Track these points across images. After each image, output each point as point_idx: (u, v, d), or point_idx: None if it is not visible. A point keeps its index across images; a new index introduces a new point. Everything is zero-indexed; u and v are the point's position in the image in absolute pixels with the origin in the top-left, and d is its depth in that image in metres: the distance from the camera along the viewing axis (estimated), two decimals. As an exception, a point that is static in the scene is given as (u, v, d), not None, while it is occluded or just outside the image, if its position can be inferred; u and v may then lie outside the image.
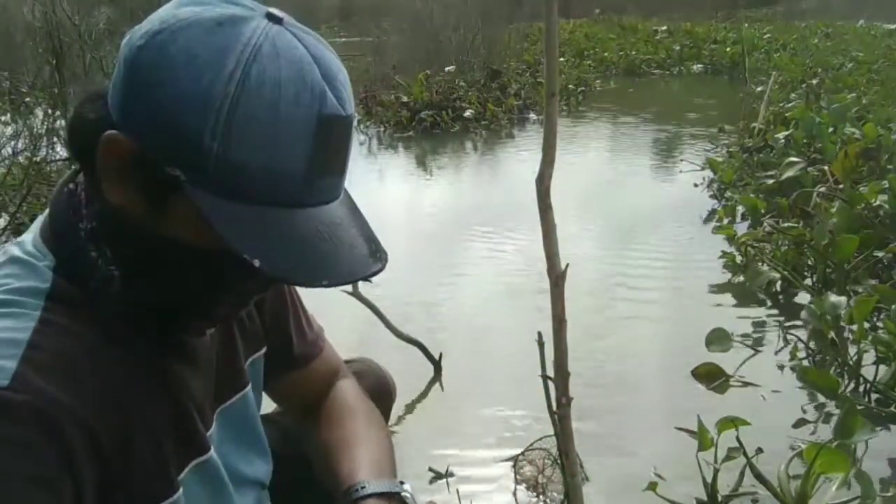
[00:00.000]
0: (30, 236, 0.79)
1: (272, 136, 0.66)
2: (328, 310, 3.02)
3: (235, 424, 0.96)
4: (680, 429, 2.17)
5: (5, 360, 0.67)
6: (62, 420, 0.67)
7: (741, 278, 3.47)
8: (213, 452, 0.88)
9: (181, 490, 0.82)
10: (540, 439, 2.14)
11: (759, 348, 2.84)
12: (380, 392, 1.28)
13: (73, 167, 0.80)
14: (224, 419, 0.94)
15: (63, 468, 0.68)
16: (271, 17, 0.69)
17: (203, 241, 0.70)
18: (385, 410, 1.29)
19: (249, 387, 0.99)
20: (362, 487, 0.96)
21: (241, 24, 0.67)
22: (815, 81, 7.99)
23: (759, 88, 7.53)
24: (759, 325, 3.06)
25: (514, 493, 2.04)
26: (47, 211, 0.81)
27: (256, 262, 0.66)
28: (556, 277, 1.46)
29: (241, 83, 0.65)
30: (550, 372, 1.55)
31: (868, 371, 2.51)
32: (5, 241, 4.02)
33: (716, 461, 1.90)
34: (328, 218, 0.72)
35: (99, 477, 0.71)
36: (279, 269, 0.68)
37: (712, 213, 4.53)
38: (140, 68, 0.67)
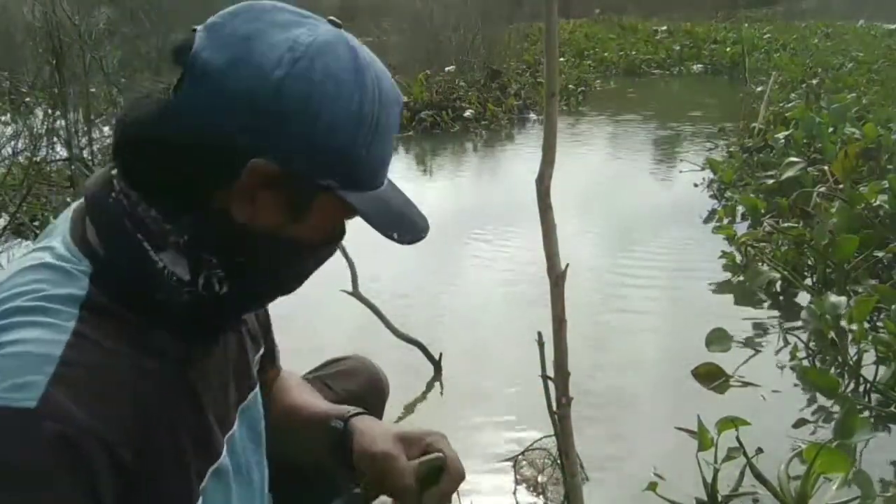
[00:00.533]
0: (58, 240, 0.78)
1: (390, 137, 0.80)
2: (328, 310, 3.04)
3: (251, 424, 0.97)
4: (680, 429, 2.18)
5: (36, 377, 0.66)
6: (88, 446, 0.67)
7: (741, 278, 3.47)
8: (225, 455, 0.88)
9: (202, 499, 0.82)
10: (540, 439, 2.14)
11: (759, 348, 2.84)
12: (372, 388, 1.31)
13: (112, 173, 0.79)
14: (243, 418, 0.95)
15: (86, 497, 0.67)
16: (335, 24, 0.79)
17: (326, 233, 0.82)
18: (378, 406, 1.32)
19: (258, 386, 1.01)
20: (348, 412, 1.08)
21: (346, 39, 0.77)
22: (815, 81, 7.99)
23: (759, 88, 7.53)
24: (759, 325, 3.06)
25: (515, 494, 2.04)
26: (69, 215, 0.81)
27: (395, 236, 0.79)
28: (556, 277, 1.46)
29: (380, 99, 0.76)
30: (550, 372, 1.55)
31: (868, 371, 2.51)
32: (5, 241, 4.02)
33: (716, 461, 1.90)
34: (393, 191, 0.84)
35: (123, 495, 0.70)
36: (404, 238, 0.80)
37: (712, 213, 4.53)
38: (289, 100, 0.72)
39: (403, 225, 0.81)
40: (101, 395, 0.69)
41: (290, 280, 0.85)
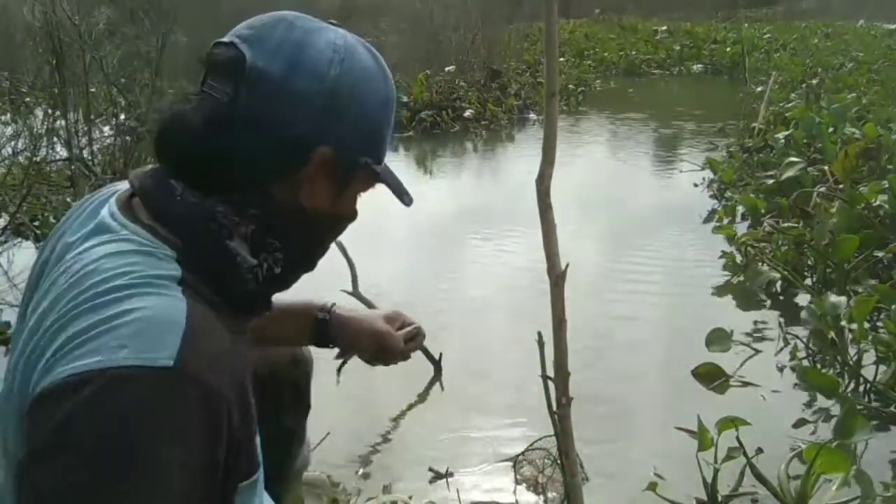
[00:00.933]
0: (124, 233, 0.82)
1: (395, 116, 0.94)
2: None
3: None
4: (680, 429, 2.17)
5: (168, 339, 0.72)
6: (219, 406, 0.72)
7: (741, 278, 3.47)
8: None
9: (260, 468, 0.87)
10: (540, 439, 2.14)
11: (759, 348, 2.84)
12: (295, 360, 1.45)
13: (160, 174, 0.87)
14: None
15: (215, 451, 0.72)
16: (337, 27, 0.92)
17: (354, 206, 0.94)
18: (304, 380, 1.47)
19: None
20: (327, 304, 1.38)
21: (356, 37, 0.90)
22: (815, 81, 7.99)
23: (759, 88, 7.53)
24: (759, 325, 3.06)
25: (515, 493, 2.04)
26: (106, 214, 0.85)
27: (406, 200, 0.95)
28: (556, 277, 1.46)
29: (392, 84, 0.92)
30: (550, 372, 1.55)
31: (868, 371, 2.51)
32: (5, 242, 4.02)
33: (716, 461, 1.90)
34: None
35: (229, 458, 0.75)
36: (408, 200, 0.95)
37: (712, 213, 4.53)
38: (341, 94, 0.86)
39: (405, 190, 0.95)
40: (220, 360, 0.76)
41: (321, 255, 0.97)
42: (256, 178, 0.85)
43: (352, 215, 0.95)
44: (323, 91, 0.84)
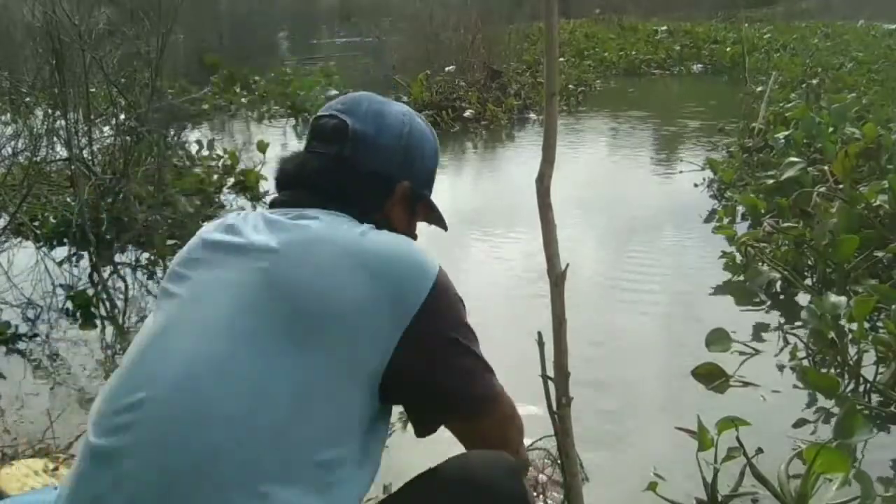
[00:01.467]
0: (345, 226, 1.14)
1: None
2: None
3: None
4: (680, 429, 2.17)
5: (433, 259, 1.11)
6: None
7: (741, 278, 3.47)
8: None
9: None
10: (540, 439, 2.14)
11: (759, 348, 2.83)
12: None
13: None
14: None
15: None
16: None
17: (415, 229, 1.30)
18: None
19: None
20: None
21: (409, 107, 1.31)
22: (815, 81, 7.99)
23: (759, 88, 7.52)
24: (759, 325, 3.06)
25: (514, 493, 2.03)
26: (318, 219, 1.13)
27: (445, 226, 1.32)
28: (556, 277, 1.46)
29: (436, 137, 1.31)
30: (550, 372, 1.55)
31: (868, 371, 2.51)
32: (5, 242, 4.02)
33: (716, 461, 1.90)
34: None
35: None
36: (446, 228, 1.33)
37: (712, 213, 4.53)
38: (412, 146, 1.23)
39: (443, 217, 1.31)
40: None
41: None
42: (361, 205, 1.17)
43: (414, 236, 1.26)
44: (401, 143, 1.22)
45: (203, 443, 0.92)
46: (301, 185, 1.19)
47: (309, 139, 1.23)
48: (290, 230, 1.08)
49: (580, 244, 4.01)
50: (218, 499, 0.90)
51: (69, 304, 3.50)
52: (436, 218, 1.30)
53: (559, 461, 1.82)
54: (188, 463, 0.92)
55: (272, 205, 1.20)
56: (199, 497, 0.90)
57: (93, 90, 5.11)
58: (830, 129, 4.95)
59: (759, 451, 1.99)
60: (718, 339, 2.74)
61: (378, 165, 1.19)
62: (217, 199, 5.11)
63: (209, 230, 1.15)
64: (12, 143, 4.66)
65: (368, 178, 1.18)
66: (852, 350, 2.60)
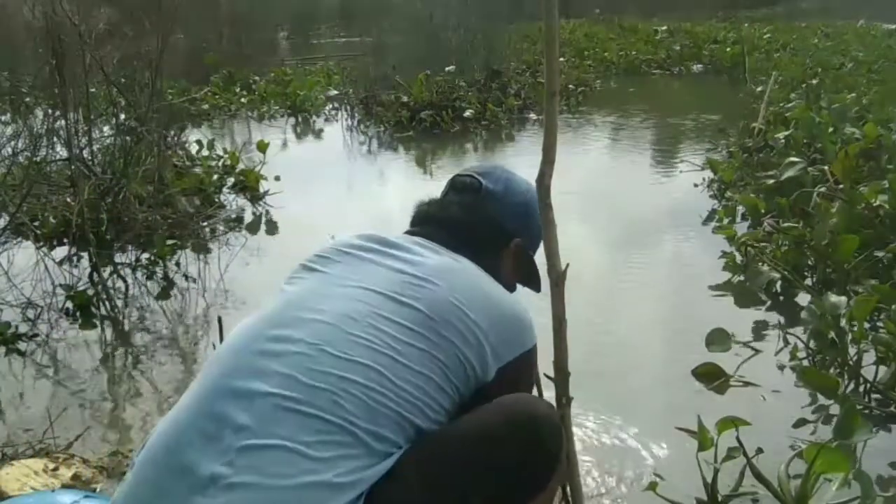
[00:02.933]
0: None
1: None
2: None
3: None
4: (680, 429, 2.17)
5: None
6: None
7: (741, 278, 3.47)
8: None
9: None
10: (540, 439, 2.13)
11: (759, 348, 2.84)
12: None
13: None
14: None
15: None
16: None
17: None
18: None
19: None
20: None
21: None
22: (815, 81, 7.98)
23: (759, 88, 7.52)
24: (759, 325, 3.06)
25: (514, 493, 2.03)
26: (439, 250, 1.41)
27: (538, 288, 1.62)
28: (556, 277, 1.46)
29: None
30: (550, 372, 1.55)
31: (868, 371, 2.51)
32: (5, 242, 4.02)
33: (716, 461, 1.90)
34: None
35: None
36: (539, 290, 1.63)
37: (712, 213, 4.53)
38: (531, 210, 1.49)
39: (540, 280, 1.60)
40: None
41: None
42: (480, 248, 1.43)
43: (514, 287, 1.55)
44: (523, 206, 1.52)
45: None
46: (436, 223, 1.49)
47: (446, 190, 1.59)
48: (438, 252, 1.37)
49: (580, 244, 4.01)
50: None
51: (69, 304, 3.50)
52: (533, 278, 1.57)
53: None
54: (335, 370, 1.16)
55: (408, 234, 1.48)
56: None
57: (93, 90, 5.10)
58: (830, 129, 4.94)
59: (759, 451, 1.99)
60: (718, 338, 2.74)
61: (501, 219, 1.50)
62: (217, 199, 5.11)
63: (347, 237, 1.42)
64: (12, 143, 4.66)
65: (492, 227, 1.49)
66: (852, 350, 2.60)
